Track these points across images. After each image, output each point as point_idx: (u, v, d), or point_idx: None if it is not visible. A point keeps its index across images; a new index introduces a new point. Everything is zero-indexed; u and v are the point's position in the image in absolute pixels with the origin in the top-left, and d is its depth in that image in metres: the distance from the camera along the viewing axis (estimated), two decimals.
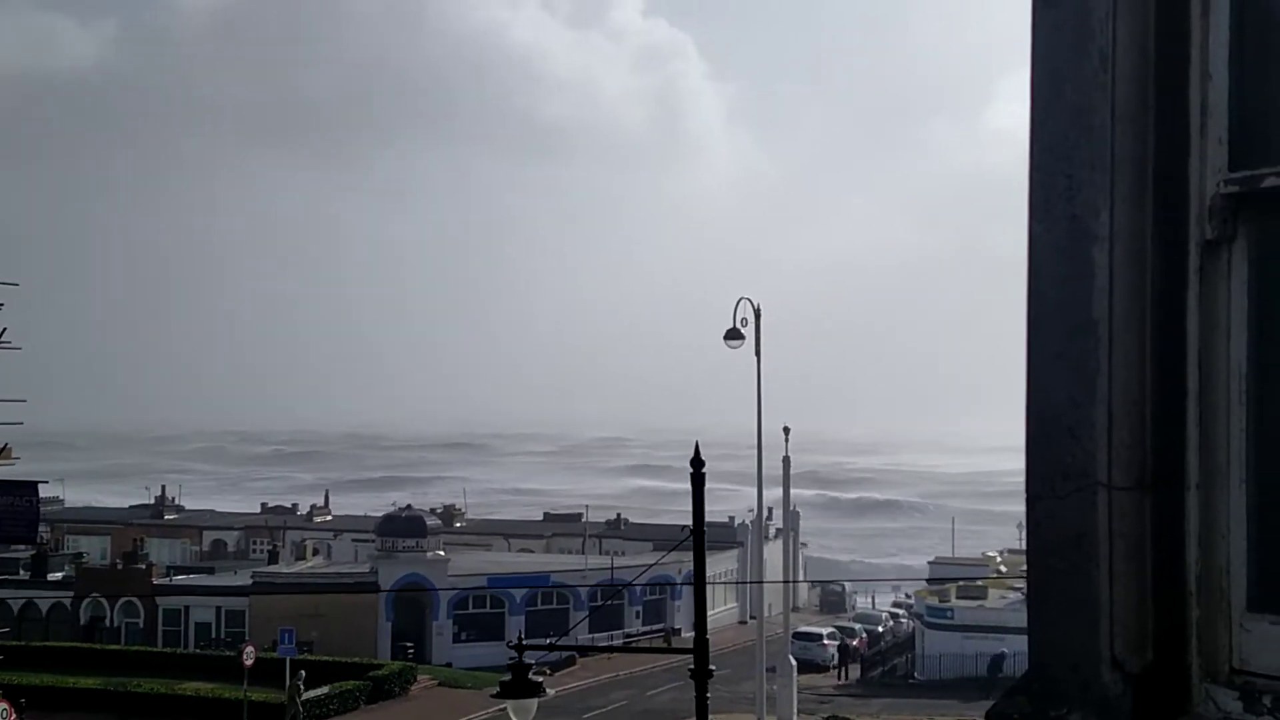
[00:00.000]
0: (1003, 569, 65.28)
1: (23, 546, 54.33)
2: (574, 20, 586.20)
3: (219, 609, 58.69)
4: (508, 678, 14.65)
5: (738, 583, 69.62)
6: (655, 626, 64.96)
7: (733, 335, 35.03)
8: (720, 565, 65.86)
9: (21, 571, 63.12)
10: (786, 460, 41.72)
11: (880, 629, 71.01)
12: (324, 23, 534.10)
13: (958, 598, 60.29)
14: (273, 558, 69.38)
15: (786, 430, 41.27)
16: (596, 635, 59.52)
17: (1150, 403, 2.40)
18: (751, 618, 57.57)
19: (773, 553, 59.63)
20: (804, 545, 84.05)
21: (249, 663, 40.74)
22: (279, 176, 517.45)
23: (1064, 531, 2.44)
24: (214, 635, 57.56)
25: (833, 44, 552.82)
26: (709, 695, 15.49)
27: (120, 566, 62.16)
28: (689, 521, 15.66)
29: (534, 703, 14.69)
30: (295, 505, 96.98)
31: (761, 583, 45.83)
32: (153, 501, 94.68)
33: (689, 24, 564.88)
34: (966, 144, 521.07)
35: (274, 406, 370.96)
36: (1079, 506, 2.42)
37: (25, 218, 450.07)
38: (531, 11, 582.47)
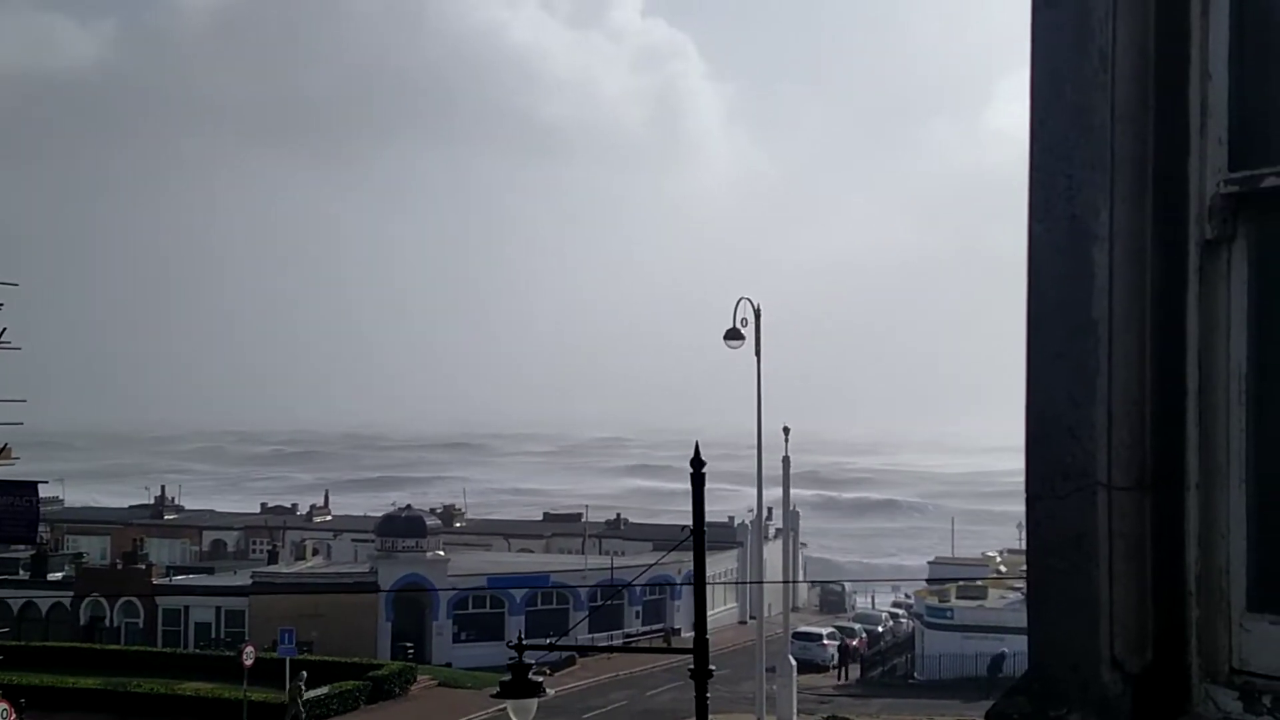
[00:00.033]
0: (1002, 569, 65.27)
1: (23, 546, 54.34)
2: (573, 20, 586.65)
3: (219, 609, 58.69)
4: (508, 678, 14.65)
5: (738, 583, 69.64)
6: (655, 626, 64.97)
7: (733, 335, 35.04)
8: (720, 565, 65.87)
9: (21, 571, 63.12)
10: (786, 460, 41.73)
11: (880, 629, 71.03)
12: (324, 23, 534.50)
13: (957, 598, 60.29)
14: (272, 558, 69.39)
15: (786, 430, 41.28)
16: (596, 635, 59.52)
17: (1150, 403, 2.40)
18: (751, 618, 57.57)
19: (772, 553, 59.65)
20: (804, 545, 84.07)
21: (249, 663, 40.75)
22: (279, 176, 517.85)
23: (1064, 531, 2.44)
24: (214, 635, 57.56)
25: (833, 44, 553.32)
26: (709, 695, 15.49)
27: (120, 566, 62.16)
28: (689, 521, 15.66)
29: (534, 703, 14.69)
30: (295, 505, 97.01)
31: (761, 583, 45.85)
32: (152, 501, 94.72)
33: (688, 24, 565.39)
34: (966, 144, 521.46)
35: (273, 406, 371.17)
36: (1079, 506, 2.42)
37: (25, 218, 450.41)
38: (531, 11, 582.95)
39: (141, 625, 58.88)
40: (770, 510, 52.80)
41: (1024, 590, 4.67)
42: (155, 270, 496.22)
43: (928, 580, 67.17)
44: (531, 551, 78.20)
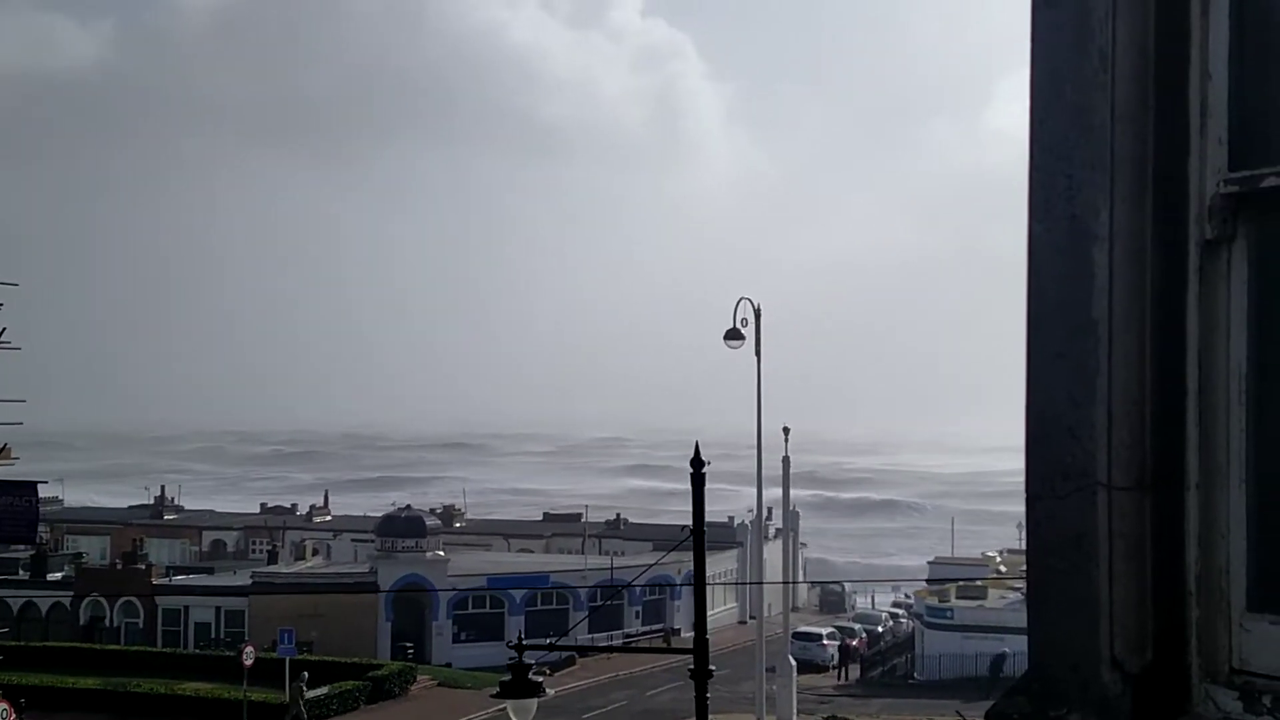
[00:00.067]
0: (1002, 569, 65.26)
1: (22, 546, 54.30)
2: (573, 20, 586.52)
3: (218, 609, 58.69)
4: (508, 678, 14.65)
5: (737, 583, 69.64)
6: (655, 626, 64.96)
7: (733, 335, 35.03)
8: (720, 565, 65.88)
9: (21, 571, 63.13)
10: (786, 460, 41.73)
11: (880, 629, 71.03)
12: (324, 23, 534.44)
13: (957, 598, 60.30)
14: (272, 558, 69.40)
15: (786, 430, 41.28)
16: (596, 635, 59.53)
17: (1150, 403, 2.40)
18: (751, 618, 57.56)
19: (772, 553, 59.63)
20: (804, 545, 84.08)
21: (248, 663, 40.75)
22: (279, 176, 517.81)
23: (1064, 531, 2.44)
24: (213, 635, 57.56)
25: (833, 44, 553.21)
26: (709, 695, 15.49)
27: (120, 566, 62.16)
28: (688, 521, 15.66)
29: (534, 703, 14.69)
30: (295, 505, 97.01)
31: (761, 583, 45.84)
32: (152, 501, 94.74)
33: (688, 24, 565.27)
34: (966, 144, 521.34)
35: (273, 406, 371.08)
36: (1079, 506, 2.42)
37: (25, 218, 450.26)
38: (531, 11, 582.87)
39: (141, 625, 58.88)
40: (770, 510, 52.80)
41: (1024, 590, 4.67)
42: (155, 270, 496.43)
43: (928, 580, 67.17)
44: (531, 551, 78.20)
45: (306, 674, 42.15)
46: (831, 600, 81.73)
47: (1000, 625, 54.75)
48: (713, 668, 15.50)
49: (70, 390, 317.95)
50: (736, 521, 74.24)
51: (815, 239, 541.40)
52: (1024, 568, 3.73)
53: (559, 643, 43.89)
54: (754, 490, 41.82)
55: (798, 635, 55.02)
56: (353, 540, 73.38)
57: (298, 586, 57.73)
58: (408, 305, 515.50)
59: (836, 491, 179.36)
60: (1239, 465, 2.33)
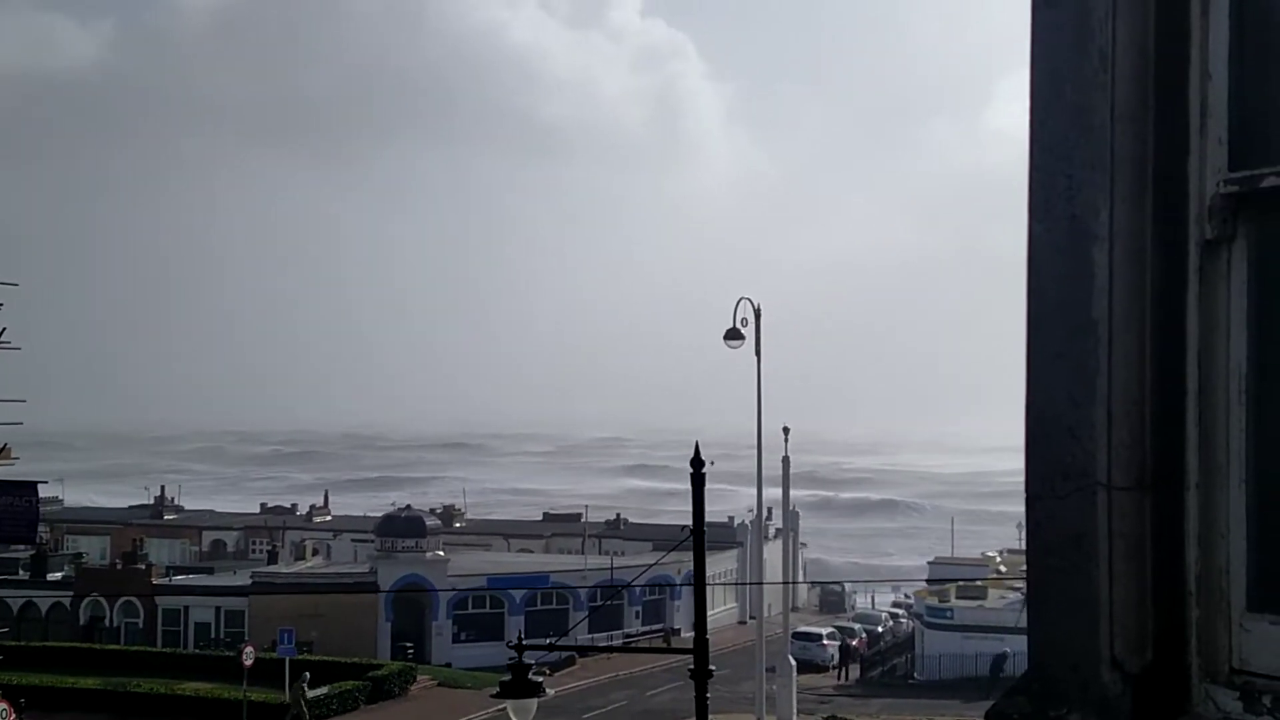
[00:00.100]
0: (1002, 569, 65.28)
1: (22, 546, 54.32)
2: (573, 20, 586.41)
3: (218, 609, 58.70)
4: (508, 678, 14.66)
5: (737, 583, 69.65)
6: (655, 626, 64.97)
7: (733, 335, 35.04)
8: (720, 565, 65.89)
9: (21, 571, 63.13)
10: (786, 460, 41.74)
11: (880, 629, 71.02)
12: (324, 23, 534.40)
13: (957, 598, 60.31)
14: (272, 558, 69.41)
15: (786, 430, 41.29)
16: (596, 635, 59.54)
17: (1150, 403, 2.40)
18: (751, 618, 57.57)
19: (772, 553, 59.65)
20: (804, 545, 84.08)
21: (248, 663, 40.76)
22: (279, 176, 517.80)
23: (1064, 531, 2.44)
24: (213, 635, 57.57)
25: (832, 44, 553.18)
26: (709, 695, 15.50)
27: (120, 566, 62.16)
28: (688, 521, 15.67)
29: (534, 703, 14.70)
30: (294, 505, 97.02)
31: (761, 583, 45.85)
32: (152, 501, 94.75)
33: (688, 24, 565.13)
34: (966, 144, 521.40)
35: (273, 406, 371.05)
36: (1079, 506, 2.42)
37: (25, 218, 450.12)
38: (530, 11, 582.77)
39: (141, 625, 58.89)
40: (770, 510, 52.81)
41: (1024, 590, 4.68)
42: (155, 270, 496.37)
43: (928, 580, 67.18)
44: (531, 551, 78.20)
45: (308, 674, 42.15)
46: (831, 600, 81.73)
47: (1000, 625, 54.76)
48: (713, 668, 15.50)
49: (70, 390, 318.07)
50: (736, 521, 74.24)
51: (815, 239, 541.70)
52: (1024, 568, 3.74)
53: (559, 643, 43.89)
54: (754, 490, 41.83)
55: (798, 635, 55.03)
56: (353, 540, 73.38)
57: (298, 586, 57.74)
58: (408, 305, 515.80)
59: (836, 491, 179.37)
60: (1239, 465, 2.33)
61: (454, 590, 59.56)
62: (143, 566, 60.83)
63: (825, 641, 60.57)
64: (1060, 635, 2.46)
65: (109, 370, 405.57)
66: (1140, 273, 2.40)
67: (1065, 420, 2.44)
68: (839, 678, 58.16)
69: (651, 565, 46.36)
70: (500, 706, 15.36)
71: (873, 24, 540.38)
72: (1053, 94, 2.49)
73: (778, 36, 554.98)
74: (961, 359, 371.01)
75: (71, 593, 60.16)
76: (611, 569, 61.89)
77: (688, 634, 51.74)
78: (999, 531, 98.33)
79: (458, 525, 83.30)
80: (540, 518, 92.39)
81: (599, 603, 60.00)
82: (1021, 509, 2.54)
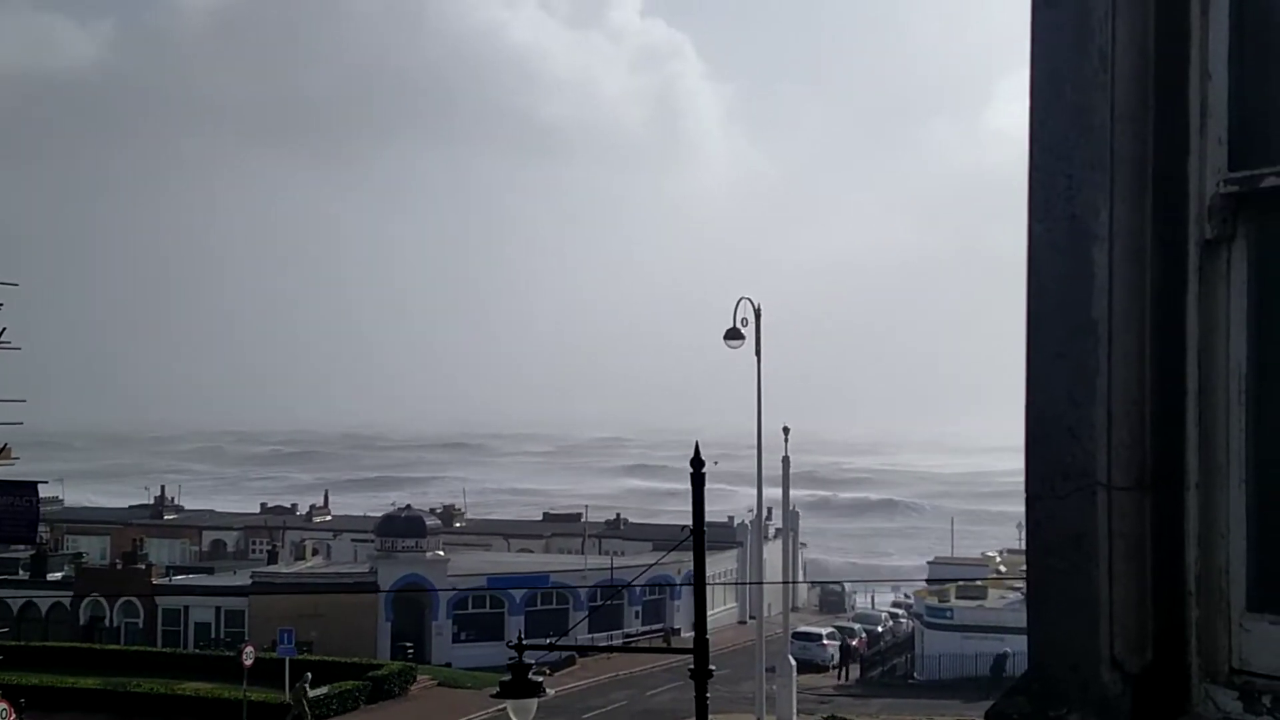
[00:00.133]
0: (1002, 569, 65.28)
1: (23, 546, 54.33)
2: (572, 20, 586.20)
3: (218, 609, 58.70)
4: (508, 678, 14.66)
5: (737, 583, 69.64)
6: (655, 626, 64.97)
7: (733, 335, 35.04)
8: (720, 565, 65.88)
9: (21, 571, 63.13)
10: (786, 460, 41.73)
11: (880, 629, 71.02)
12: (324, 23, 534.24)
13: (957, 598, 60.30)
14: (272, 558, 69.40)
15: (786, 430, 41.28)
16: (596, 635, 59.53)
17: (1150, 403, 2.40)
18: (751, 618, 57.57)
19: (772, 553, 59.65)
20: (804, 545, 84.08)
21: (248, 663, 40.75)
22: (279, 176, 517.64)
23: (1064, 531, 2.44)
24: (213, 635, 57.56)
25: (833, 44, 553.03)
26: (709, 695, 15.49)
27: (120, 566, 62.16)
28: (688, 521, 15.66)
29: (534, 703, 14.69)
30: (294, 505, 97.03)
31: (761, 583, 45.84)
32: (152, 501, 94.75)
33: (687, 24, 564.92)
34: (966, 144, 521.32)
35: (272, 406, 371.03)
36: (1079, 506, 2.42)
37: (25, 218, 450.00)
38: (530, 11, 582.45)
39: (141, 625, 58.88)
40: (770, 510, 52.82)
41: (1024, 590, 4.67)
42: (155, 270, 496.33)
43: (927, 580, 67.19)
44: (531, 551, 78.21)
45: (310, 674, 42.14)
46: (831, 600, 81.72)
47: (1000, 625, 54.78)
48: (713, 668, 15.50)
49: (70, 390, 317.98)
50: (736, 521, 74.24)
51: (815, 239, 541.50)
52: (1024, 568, 3.74)
53: (559, 643, 43.90)
54: (754, 490, 41.83)
55: (798, 635, 55.02)
56: (353, 540, 73.39)
57: (298, 586, 57.73)
58: (408, 305, 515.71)
59: (835, 491, 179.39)
60: (1239, 465, 2.33)
61: (454, 590, 59.56)
62: (143, 566, 60.84)
63: (825, 641, 60.57)
64: (1060, 635, 2.46)
65: (109, 370, 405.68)
66: (1140, 273, 2.40)
67: (1065, 420, 2.44)
68: (839, 678, 58.16)
69: (651, 565, 46.37)
70: (500, 706, 15.36)
71: (873, 24, 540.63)
72: (1053, 94, 2.49)
73: (777, 36, 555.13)
74: (961, 359, 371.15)
75: (71, 593, 60.15)
76: (611, 569, 61.89)
77: (688, 634, 51.75)
78: (999, 531, 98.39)
79: (458, 525, 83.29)
80: (540, 518, 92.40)
81: (599, 603, 60.00)
82: (1021, 509, 2.54)
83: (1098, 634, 2.39)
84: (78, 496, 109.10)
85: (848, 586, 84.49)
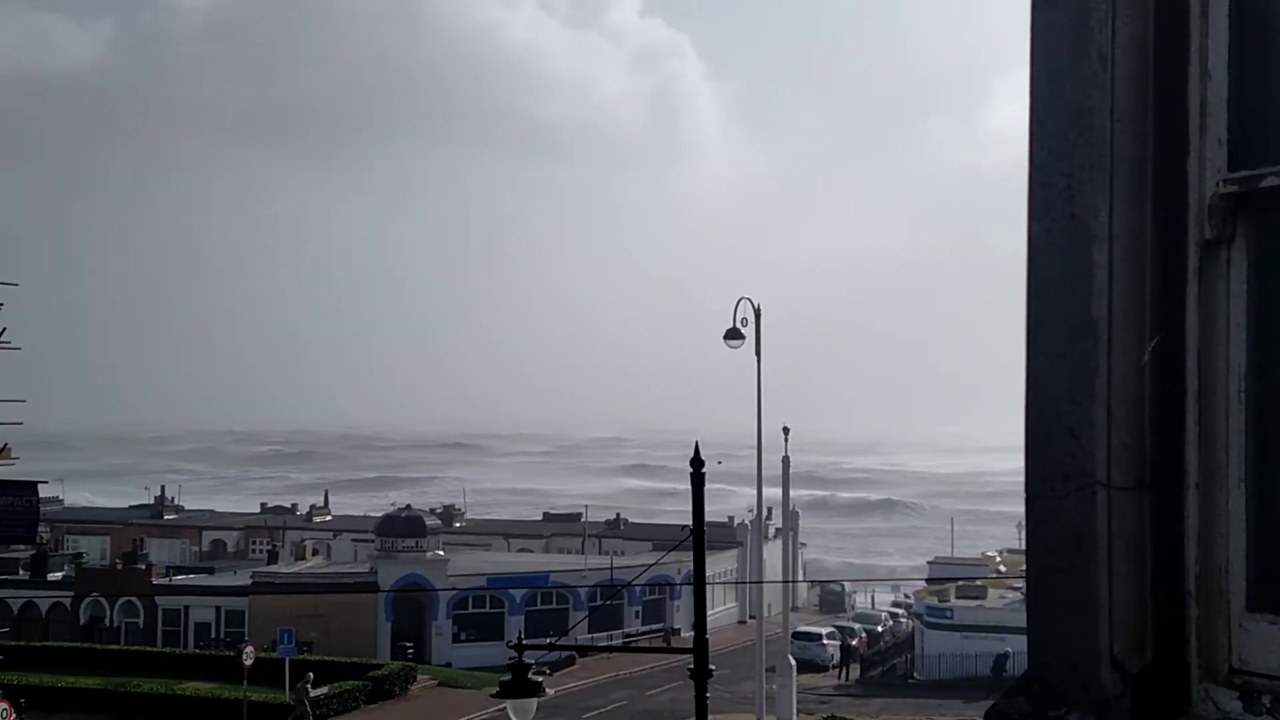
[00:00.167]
0: (1002, 569, 65.28)
1: (23, 546, 54.33)
2: (571, 20, 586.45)
3: (219, 609, 58.69)
4: (507, 678, 14.66)
5: (737, 583, 69.64)
6: (655, 626, 64.97)
7: (733, 335, 35.04)
8: (720, 565, 65.88)
9: (21, 571, 63.11)
10: (786, 460, 41.73)
11: (880, 629, 71.00)
12: (323, 23, 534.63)
13: (957, 598, 60.31)
14: (272, 558, 69.37)
15: (786, 430, 41.28)
16: (596, 635, 59.53)
17: (1150, 403, 2.40)
18: (751, 618, 57.57)
19: (772, 553, 59.65)
20: (804, 545, 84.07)
21: (249, 663, 40.74)
22: (278, 176, 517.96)
23: (1063, 531, 2.44)
24: (214, 635, 57.56)
25: (832, 44, 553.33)
26: (708, 695, 15.49)
27: (120, 566, 62.16)
28: (688, 521, 15.66)
29: (534, 703, 14.69)
30: (294, 505, 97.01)
31: (761, 583, 45.84)
32: (152, 502, 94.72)
33: (687, 24, 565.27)
34: (965, 144, 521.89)
35: (271, 407, 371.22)
36: (1078, 506, 2.42)
37: (25, 218, 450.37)
38: (529, 11, 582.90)
39: (141, 625, 58.87)
40: (770, 510, 52.82)
41: (1024, 590, 4.68)
42: (154, 270, 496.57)
43: (927, 580, 67.18)
44: (531, 551, 78.20)
45: (312, 674, 42.13)
46: (831, 600, 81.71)
47: (1000, 625, 54.78)
48: (713, 668, 15.50)
49: (70, 390, 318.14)
50: (736, 521, 74.24)
51: (815, 239, 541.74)
52: (1024, 568, 3.74)
53: (559, 643, 43.92)
54: (754, 490, 41.82)
55: (798, 635, 55.02)
56: (353, 540, 73.43)
57: (298, 586, 57.73)
58: (407, 305, 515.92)
59: (835, 491, 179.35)
60: (1239, 465, 2.32)
61: (454, 590, 59.56)
62: (143, 566, 60.83)
63: (825, 641, 60.57)
64: (1060, 635, 2.46)
65: (108, 370, 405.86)
66: (1140, 273, 2.40)
67: (1065, 420, 2.44)
68: (839, 678, 58.16)
69: (651, 565, 46.38)
70: (500, 706, 15.36)
71: (871, 24, 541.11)
72: (1052, 94, 2.49)
73: (777, 36, 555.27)
74: (961, 359, 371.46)
75: (71, 593, 60.14)
76: (611, 569, 61.89)
77: (688, 634, 51.77)
78: (998, 531, 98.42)
79: (458, 525, 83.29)
80: (540, 518, 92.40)
81: (599, 602, 60.00)
82: (1021, 509, 2.54)
83: (1097, 634, 2.39)
84: (77, 496, 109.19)
85: (847, 586, 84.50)
